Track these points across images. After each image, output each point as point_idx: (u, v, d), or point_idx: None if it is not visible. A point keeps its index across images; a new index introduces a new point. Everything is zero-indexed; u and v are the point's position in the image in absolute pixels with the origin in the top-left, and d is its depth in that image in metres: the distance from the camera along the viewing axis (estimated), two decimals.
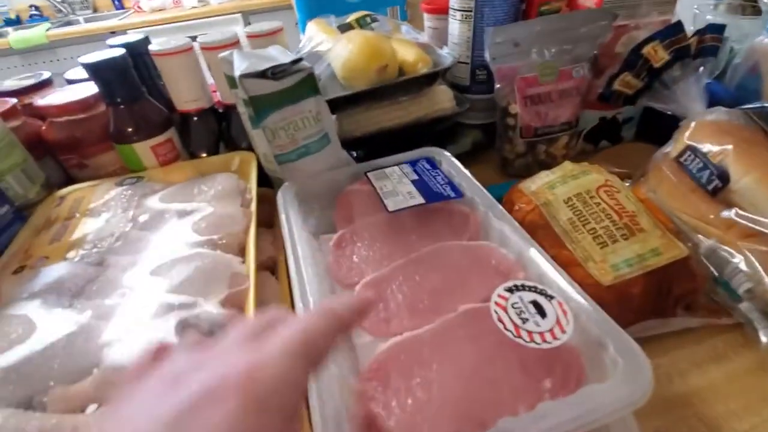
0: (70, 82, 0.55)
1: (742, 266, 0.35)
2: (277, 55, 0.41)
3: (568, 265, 0.38)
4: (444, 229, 0.38)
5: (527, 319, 0.25)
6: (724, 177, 0.37)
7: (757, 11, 0.60)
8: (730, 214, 0.37)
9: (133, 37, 0.52)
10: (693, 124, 0.41)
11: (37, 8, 2.28)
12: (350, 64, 0.49)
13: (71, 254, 0.35)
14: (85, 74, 0.50)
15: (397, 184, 0.40)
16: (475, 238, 0.37)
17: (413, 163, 0.44)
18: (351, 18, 0.63)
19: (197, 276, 0.30)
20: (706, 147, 0.39)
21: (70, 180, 0.51)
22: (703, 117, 0.41)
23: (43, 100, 0.48)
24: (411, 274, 0.33)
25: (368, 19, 0.61)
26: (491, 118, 0.59)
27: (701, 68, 0.47)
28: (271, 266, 0.41)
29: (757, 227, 0.35)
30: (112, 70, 0.43)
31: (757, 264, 0.34)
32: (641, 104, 0.51)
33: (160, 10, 2.15)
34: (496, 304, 0.27)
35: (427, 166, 0.43)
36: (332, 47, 0.56)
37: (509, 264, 0.32)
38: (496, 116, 0.56)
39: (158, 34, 2.09)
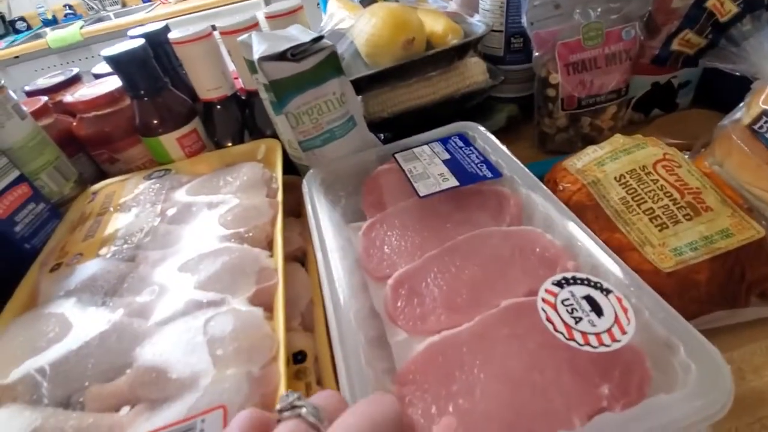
0: (97, 76, 0.55)
1: None
2: (298, 34, 0.39)
3: (621, 250, 0.34)
4: (482, 214, 0.35)
5: (580, 318, 0.23)
6: None
7: None
8: None
9: (153, 26, 0.51)
10: None
11: (71, 7, 2.36)
12: (374, 40, 0.47)
13: (103, 251, 0.35)
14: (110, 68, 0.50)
15: (428, 165, 0.37)
16: (517, 222, 0.34)
17: (445, 141, 0.41)
18: None
19: (225, 271, 0.29)
20: None
21: (103, 174, 0.52)
22: None
23: (71, 96, 0.48)
24: (447, 265, 0.30)
25: None
26: (528, 90, 0.54)
27: None
28: (301, 257, 0.39)
29: None
30: (133, 62, 0.42)
31: None
32: (703, 65, 0.46)
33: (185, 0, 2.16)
34: (544, 300, 0.24)
35: (461, 144, 0.40)
36: (355, 23, 0.53)
37: (556, 251, 0.29)
38: (534, 88, 0.51)
39: (184, 24, 2.11)
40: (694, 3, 0.41)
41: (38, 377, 0.26)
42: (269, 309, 0.28)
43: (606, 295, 0.24)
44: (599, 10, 0.45)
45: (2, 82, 0.42)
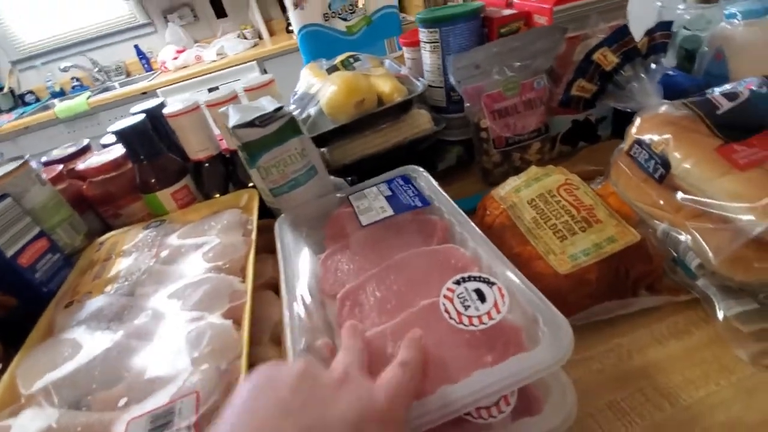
0: (105, 146, 0.65)
1: (690, 244, 0.38)
2: (266, 104, 0.49)
3: (531, 259, 0.42)
4: (416, 237, 0.42)
5: (469, 306, 0.30)
6: (666, 164, 0.40)
7: None
8: (676, 197, 0.40)
9: (152, 102, 0.62)
10: (638, 119, 0.45)
11: (78, 80, 2.55)
12: (332, 102, 0.56)
13: (108, 288, 0.42)
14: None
15: (372, 201, 0.45)
16: (444, 242, 0.41)
17: (390, 182, 0.49)
18: (337, 60, 0.70)
19: (204, 295, 0.37)
20: (650, 139, 0.42)
21: (108, 227, 0.60)
22: (648, 112, 0.44)
23: (83, 164, 0.57)
24: (383, 280, 0.38)
25: (351, 60, 0.68)
26: (470, 133, 0.64)
27: (653, 65, 0.50)
28: (274, 285, 0.47)
29: (699, 207, 0.37)
30: (135, 134, 0.52)
31: (702, 241, 0.36)
32: (604, 106, 0.55)
33: (183, 67, 2.34)
34: (445, 296, 0.31)
35: (402, 183, 0.48)
36: (320, 88, 0.63)
37: (466, 261, 0.37)
38: (472, 132, 0.61)
39: (184, 89, 2.29)
40: (583, 57, 0.51)
41: (55, 387, 0.32)
42: (239, 322, 0.35)
43: (491, 287, 0.31)
44: (515, 66, 0.55)
45: (27, 157, 0.51)
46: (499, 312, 0.29)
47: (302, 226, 0.48)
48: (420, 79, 0.62)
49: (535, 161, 0.59)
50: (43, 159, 0.66)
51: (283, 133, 0.46)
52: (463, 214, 0.41)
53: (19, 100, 2.53)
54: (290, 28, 2.23)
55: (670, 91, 0.48)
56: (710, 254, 0.36)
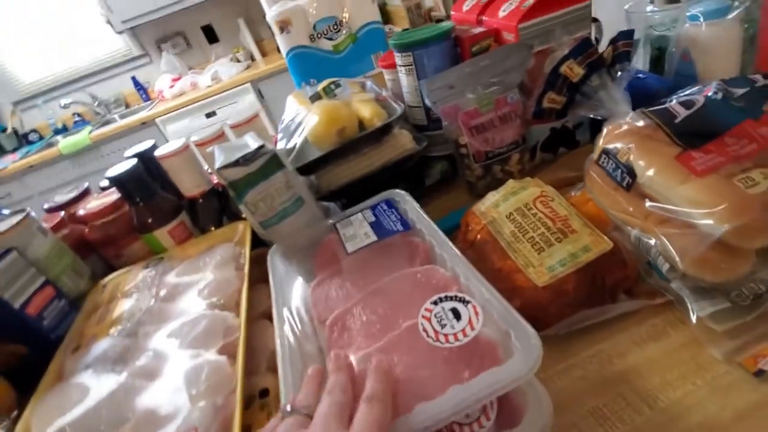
0: (104, 188, 0.68)
1: (660, 249, 0.39)
2: (249, 142, 0.51)
3: (511, 272, 0.44)
4: (400, 260, 0.44)
5: (446, 324, 0.32)
6: (632, 173, 0.41)
7: None
8: (644, 204, 0.41)
9: (144, 145, 0.65)
10: (605, 129, 0.46)
11: (79, 115, 2.62)
12: (314, 132, 0.59)
13: (112, 330, 0.45)
14: None
15: (357, 229, 0.47)
16: (426, 263, 0.43)
17: (374, 207, 0.51)
18: (319, 88, 0.73)
19: (200, 333, 0.39)
20: (615, 148, 0.44)
21: (111, 268, 0.63)
22: (613, 122, 0.46)
23: (83, 210, 0.60)
24: (369, 303, 0.40)
25: (333, 87, 0.71)
26: (452, 149, 0.66)
27: (619, 73, 0.52)
28: (269, 314, 0.49)
29: (665, 213, 0.39)
30: (129, 179, 0.55)
31: (668, 245, 0.38)
32: (575, 115, 0.57)
33: (180, 94, 2.40)
34: (423, 317, 0.33)
35: (385, 207, 0.50)
36: (303, 117, 0.66)
37: (447, 281, 0.38)
38: (452, 148, 0.63)
39: (182, 116, 2.33)
40: (551, 70, 0.53)
41: (67, 430, 0.35)
42: (234, 356, 0.37)
43: (466, 305, 0.33)
44: (487, 83, 0.57)
45: (28, 209, 0.54)
46: (473, 329, 0.31)
47: (294, 256, 0.50)
48: (398, 102, 0.65)
49: (516, 171, 0.61)
50: (45, 206, 0.69)
51: (266, 169, 0.48)
52: (442, 234, 0.43)
53: (23, 140, 2.60)
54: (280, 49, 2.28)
55: (641, 94, 0.50)
56: (677, 258, 0.37)
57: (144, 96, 2.63)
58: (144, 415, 0.34)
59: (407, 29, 0.67)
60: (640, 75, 0.62)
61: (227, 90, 2.33)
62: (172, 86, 2.41)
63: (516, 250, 0.44)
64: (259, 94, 2.37)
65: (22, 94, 2.59)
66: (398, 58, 0.64)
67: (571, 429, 0.35)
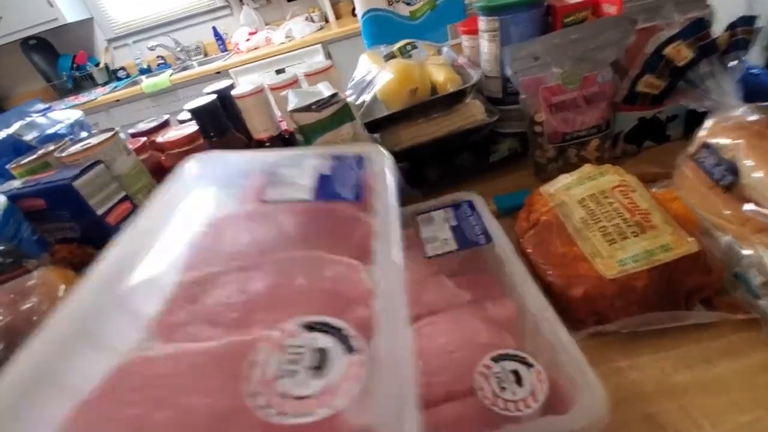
0: (182, 122, 0.72)
1: (754, 260, 0.35)
2: (323, 90, 0.51)
3: (576, 259, 0.41)
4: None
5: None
6: (735, 172, 0.37)
7: None
8: (744, 208, 0.37)
9: (222, 83, 0.67)
10: (710, 122, 0.42)
11: (162, 58, 2.78)
12: (385, 89, 0.58)
13: None
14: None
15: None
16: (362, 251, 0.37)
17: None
18: (395, 47, 0.71)
19: None
20: (719, 143, 0.39)
21: None
22: (721, 114, 0.41)
23: (162, 138, 0.64)
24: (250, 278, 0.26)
25: (408, 47, 0.69)
26: (525, 126, 0.62)
27: (733, 62, 0.46)
28: None
29: None
30: (206, 113, 0.57)
31: (766, 257, 0.34)
32: (675, 103, 0.51)
33: (255, 48, 2.47)
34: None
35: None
36: (376, 75, 0.65)
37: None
38: (526, 125, 0.59)
39: (253, 70, 2.41)
40: (653, 51, 0.48)
41: None
42: None
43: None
44: (575, 58, 0.53)
45: (117, 129, 0.58)
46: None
47: None
48: (475, 68, 0.62)
49: (593, 159, 0.57)
50: (130, 131, 0.75)
51: (337, 118, 0.48)
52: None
53: (112, 75, 2.81)
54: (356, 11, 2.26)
55: (752, 91, 0.44)
56: None
57: (221, 46, 2.73)
58: None
59: None
60: (754, 70, 0.55)
61: (298, 49, 2.36)
62: (248, 39, 2.47)
63: (584, 237, 0.42)
64: (329, 56, 2.38)
65: (116, 33, 2.78)
66: (482, 23, 0.61)
67: (621, 429, 0.33)
